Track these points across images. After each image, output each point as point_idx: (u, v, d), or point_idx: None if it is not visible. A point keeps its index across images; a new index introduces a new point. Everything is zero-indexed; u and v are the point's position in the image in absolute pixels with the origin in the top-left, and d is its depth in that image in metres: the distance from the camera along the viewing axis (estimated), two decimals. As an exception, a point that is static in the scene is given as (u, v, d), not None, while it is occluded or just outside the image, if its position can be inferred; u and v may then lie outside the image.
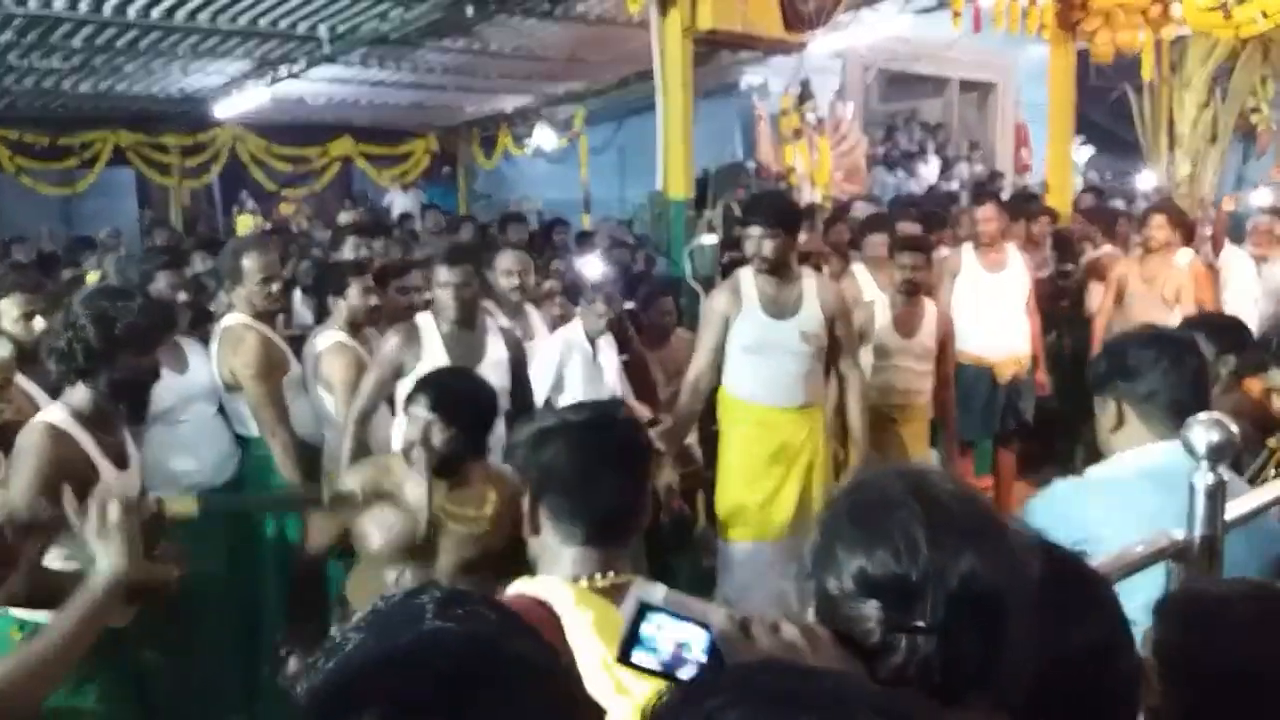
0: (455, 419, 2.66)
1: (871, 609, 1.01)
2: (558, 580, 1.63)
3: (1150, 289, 5.79)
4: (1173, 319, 5.50)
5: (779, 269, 3.92)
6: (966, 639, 0.99)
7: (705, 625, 0.99)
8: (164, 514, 1.87)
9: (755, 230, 3.89)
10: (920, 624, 0.98)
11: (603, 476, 1.70)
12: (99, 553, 1.74)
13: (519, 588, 1.65)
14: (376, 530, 2.71)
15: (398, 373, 3.66)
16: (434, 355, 3.65)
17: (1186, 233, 6.05)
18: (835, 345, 4.06)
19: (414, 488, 2.71)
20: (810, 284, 4.02)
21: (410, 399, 2.75)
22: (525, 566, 2.88)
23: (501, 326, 4.10)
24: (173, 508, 1.93)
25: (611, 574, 1.66)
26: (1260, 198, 7.73)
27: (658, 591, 1.03)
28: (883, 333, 4.64)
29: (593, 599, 1.58)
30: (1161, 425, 2.05)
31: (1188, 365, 2.11)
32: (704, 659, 0.98)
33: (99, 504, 1.75)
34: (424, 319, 3.79)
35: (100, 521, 1.75)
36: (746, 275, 4.03)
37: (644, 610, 1.00)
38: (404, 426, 3.27)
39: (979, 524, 1.03)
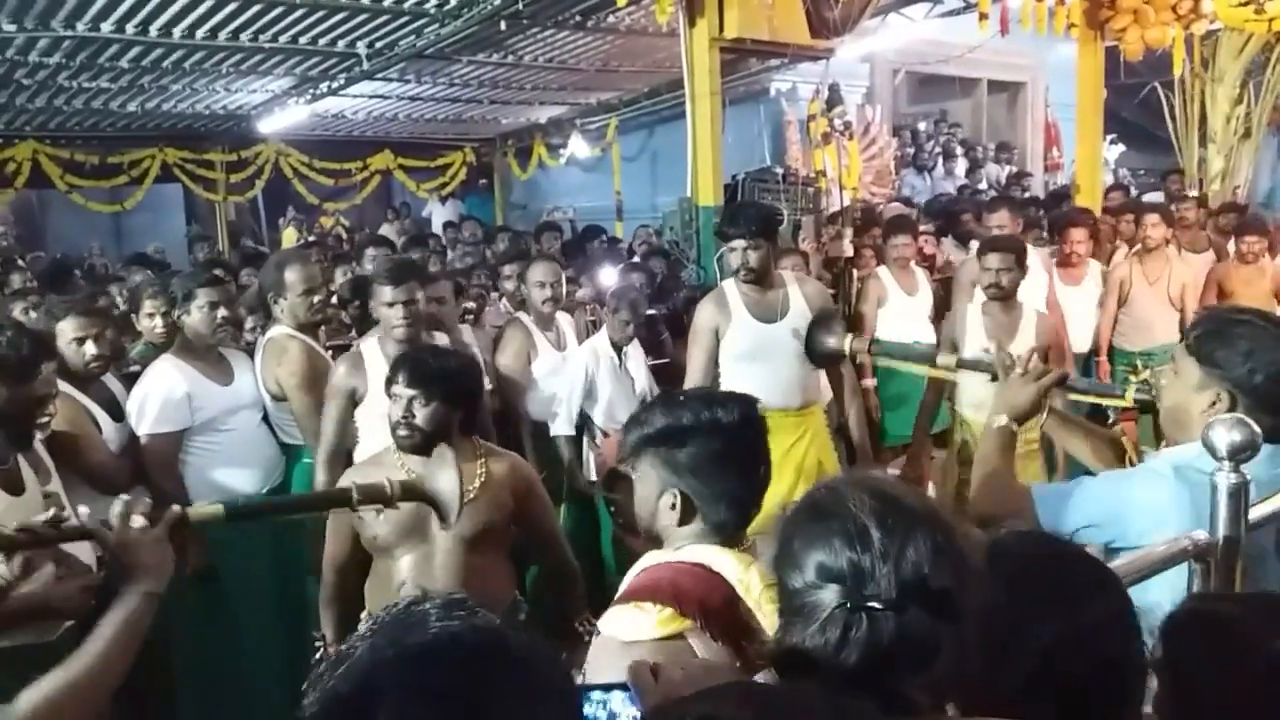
0: (435, 393, 2.73)
1: (829, 594, 1.10)
2: (708, 548, 1.69)
3: (1154, 289, 5.89)
4: (1174, 320, 5.67)
5: (763, 277, 4.00)
6: (918, 617, 1.07)
7: (624, 685, 1.15)
8: (189, 522, 1.80)
9: (739, 243, 3.94)
10: (875, 605, 1.07)
11: (761, 466, 1.79)
12: (128, 566, 1.68)
13: (661, 558, 1.72)
14: (379, 521, 2.78)
15: (352, 401, 3.61)
16: (379, 380, 3.40)
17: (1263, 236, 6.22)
18: None
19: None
20: (793, 286, 4.09)
21: (389, 379, 2.81)
22: (543, 550, 3.00)
23: (457, 340, 4.08)
24: (197, 513, 1.85)
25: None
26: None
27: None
28: (972, 345, 4.36)
29: (749, 560, 1.67)
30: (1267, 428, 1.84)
31: None
32: (637, 713, 1.14)
33: (122, 515, 1.70)
34: (367, 344, 3.72)
35: (125, 534, 1.69)
36: (730, 286, 4.09)
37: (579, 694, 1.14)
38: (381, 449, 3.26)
39: (924, 513, 1.13)
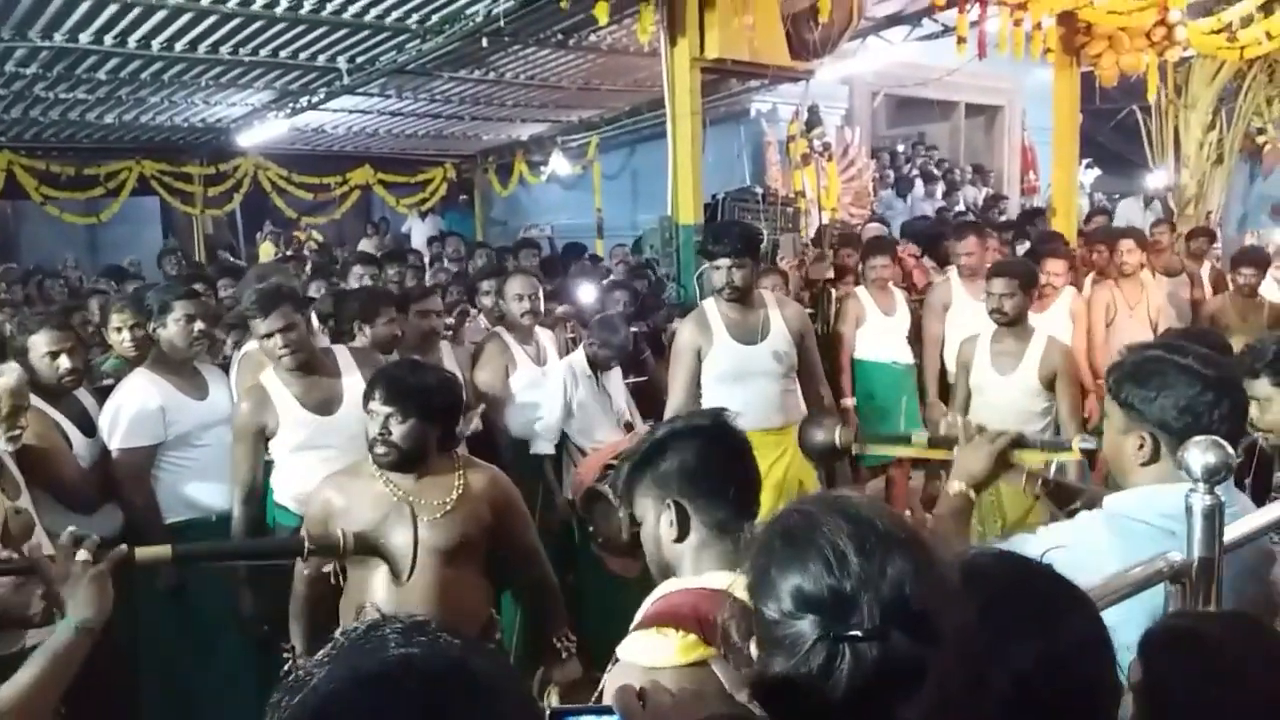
0: (412, 410, 2.71)
1: (807, 625, 1.06)
2: (726, 574, 1.63)
3: (1135, 313, 5.91)
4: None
5: (745, 296, 4.01)
6: (902, 642, 1.04)
7: (609, 710, 1.13)
8: (134, 560, 1.84)
9: (724, 261, 3.95)
10: (857, 632, 1.04)
11: (746, 464, 1.83)
12: (67, 599, 1.69)
13: (680, 585, 1.69)
14: (351, 531, 2.76)
15: (263, 437, 3.52)
16: (289, 411, 3.49)
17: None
18: (805, 365, 4.15)
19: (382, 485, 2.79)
20: (774, 308, 4.11)
21: (366, 396, 2.80)
22: (523, 565, 2.98)
23: (434, 358, 4.07)
24: (144, 554, 1.89)
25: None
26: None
27: None
28: (979, 369, 4.36)
29: None
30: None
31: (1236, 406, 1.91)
32: None
33: (66, 550, 1.71)
34: (266, 377, 3.57)
35: (66, 567, 1.70)
36: (710, 306, 4.10)
37: (557, 717, 1.13)
38: (301, 480, 3.29)
39: (901, 533, 1.10)
